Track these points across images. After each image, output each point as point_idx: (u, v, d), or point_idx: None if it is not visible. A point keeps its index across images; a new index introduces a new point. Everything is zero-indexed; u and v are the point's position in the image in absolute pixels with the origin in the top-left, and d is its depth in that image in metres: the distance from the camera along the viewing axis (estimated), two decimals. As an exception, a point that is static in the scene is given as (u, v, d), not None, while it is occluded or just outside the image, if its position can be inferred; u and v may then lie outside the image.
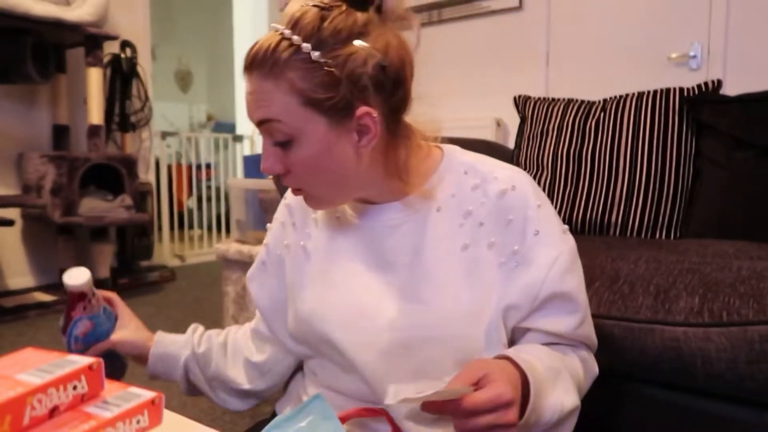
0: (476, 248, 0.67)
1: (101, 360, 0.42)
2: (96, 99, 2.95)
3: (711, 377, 0.84)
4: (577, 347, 0.72)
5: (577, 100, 1.62)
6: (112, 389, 0.42)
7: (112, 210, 2.90)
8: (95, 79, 2.94)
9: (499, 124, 2.87)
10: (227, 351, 0.84)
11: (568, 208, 1.48)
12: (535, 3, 2.81)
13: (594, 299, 0.95)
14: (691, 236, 1.35)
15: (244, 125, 4.71)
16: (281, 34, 0.60)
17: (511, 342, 0.70)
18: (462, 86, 3.06)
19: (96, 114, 2.96)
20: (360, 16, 0.61)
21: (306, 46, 0.59)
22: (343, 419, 0.64)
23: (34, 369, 0.39)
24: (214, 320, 2.47)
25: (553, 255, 0.66)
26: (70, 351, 0.78)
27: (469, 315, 0.65)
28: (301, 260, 0.75)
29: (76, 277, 0.74)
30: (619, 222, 1.41)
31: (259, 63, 0.60)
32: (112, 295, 0.84)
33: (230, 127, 5.25)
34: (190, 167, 4.72)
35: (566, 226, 0.71)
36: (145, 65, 3.47)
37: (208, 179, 4.72)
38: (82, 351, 0.78)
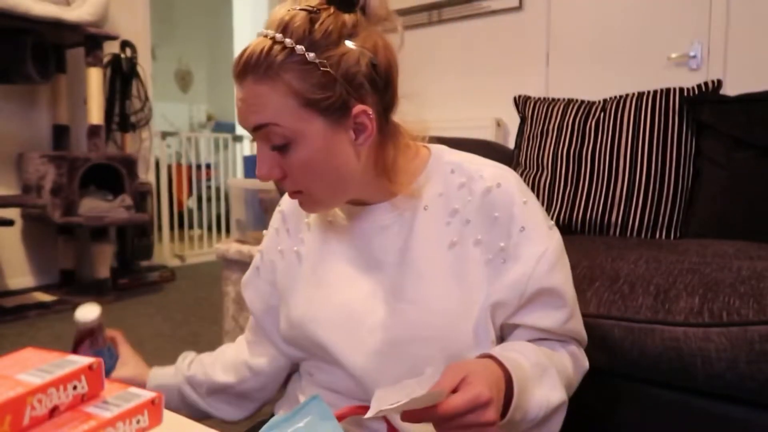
0: (463, 246, 0.67)
1: (101, 360, 0.42)
2: (96, 99, 2.95)
3: (711, 377, 0.84)
4: (566, 342, 0.73)
5: (577, 100, 1.62)
6: (112, 389, 0.42)
7: (112, 210, 2.90)
8: (95, 79, 2.94)
9: (499, 124, 2.87)
10: (216, 361, 0.86)
11: (568, 208, 1.48)
12: (535, 3, 2.81)
13: (594, 299, 0.95)
14: (691, 236, 1.35)
15: (244, 125, 4.69)
16: (272, 38, 0.60)
17: (501, 339, 0.71)
18: (462, 86, 3.06)
19: (96, 114, 2.96)
20: (348, 18, 0.62)
21: (300, 48, 0.59)
22: (339, 418, 0.64)
23: (34, 369, 0.39)
24: (214, 320, 2.47)
25: (539, 251, 0.66)
26: None
27: (457, 312, 0.66)
28: (293, 265, 0.76)
29: (87, 314, 0.78)
30: (619, 222, 1.41)
31: (253, 67, 0.60)
32: (116, 333, 0.86)
33: (230, 127, 5.25)
34: (190, 167, 4.72)
35: (552, 222, 0.72)
36: (145, 65, 3.47)
37: (208, 179, 4.72)
38: None
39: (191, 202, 4.89)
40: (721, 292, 0.87)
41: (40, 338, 2.32)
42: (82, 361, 0.41)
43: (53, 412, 0.38)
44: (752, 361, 0.80)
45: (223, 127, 5.62)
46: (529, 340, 0.70)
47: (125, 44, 3.32)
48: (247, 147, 4.46)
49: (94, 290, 2.96)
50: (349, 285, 0.70)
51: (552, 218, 1.48)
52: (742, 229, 1.27)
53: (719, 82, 1.44)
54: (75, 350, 0.79)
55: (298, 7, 0.62)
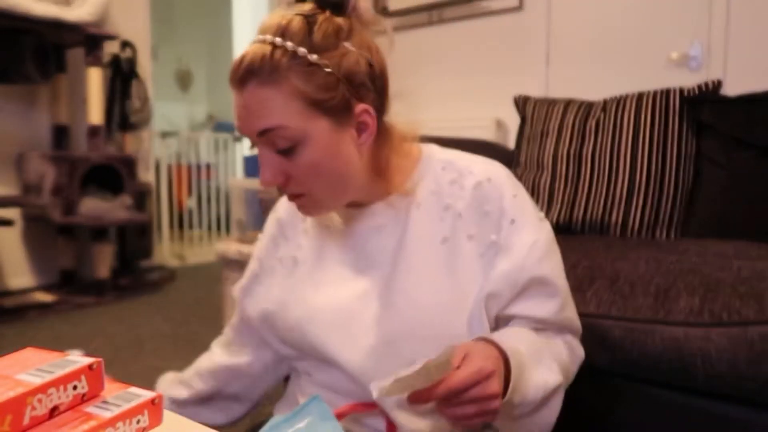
0: (456, 240, 0.69)
1: (101, 360, 0.42)
2: (96, 99, 2.95)
3: (711, 377, 0.84)
4: (561, 332, 0.74)
5: (577, 101, 1.62)
6: (112, 389, 0.42)
7: (112, 210, 2.90)
8: (95, 79, 2.94)
9: (499, 124, 2.87)
10: (194, 375, 0.86)
11: (568, 208, 1.48)
12: (535, 3, 2.81)
13: (594, 299, 0.95)
14: (691, 236, 1.36)
15: (244, 125, 4.69)
16: (271, 43, 0.61)
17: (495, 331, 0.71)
18: (462, 86, 3.06)
19: (96, 114, 2.96)
20: (342, 21, 0.63)
21: (303, 50, 0.60)
22: (339, 416, 0.64)
23: (34, 369, 0.39)
24: (214, 320, 2.47)
25: (530, 241, 0.68)
26: None
27: (451, 306, 0.67)
28: (292, 270, 0.77)
29: None
30: (619, 222, 1.41)
31: (257, 72, 0.60)
32: None
33: (230, 127, 5.25)
34: (190, 167, 4.71)
35: (542, 214, 0.73)
36: (145, 65, 3.47)
37: (208, 179, 4.72)
38: None
39: (191, 202, 4.89)
40: (721, 292, 0.87)
41: (40, 338, 2.32)
42: (82, 361, 0.41)
43: (53, 412, 0.38)
44: (752, 361, 0.80)
45: (223, 127, 5.61)
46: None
47: (125, 44, 3.32)
48: (247, 147, 4.45)
49: (94, 290, 2.96)
50: (345, 286, 0.71)
51: (552, 218, 1.48)
52: (742, 229, 1.27)
53: (719, 82, 1.44)
54: None
55: (293, 13, 0.63)
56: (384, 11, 3.25)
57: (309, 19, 0.62)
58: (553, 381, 0.65)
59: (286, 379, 0.86)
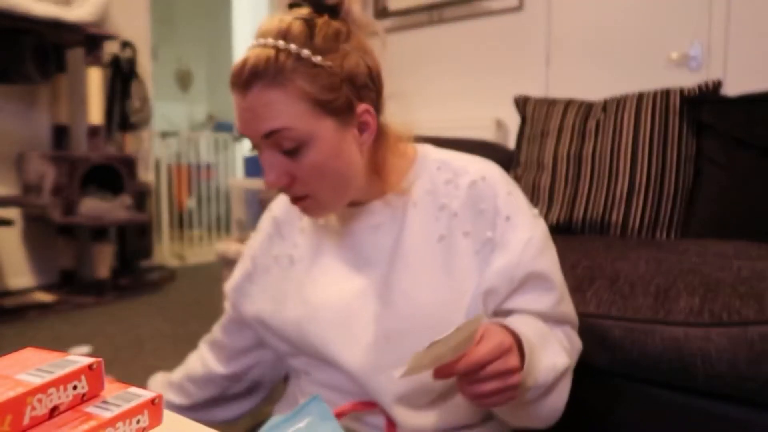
0: (452, 238, 0.70)
1: (101, 360, 0.42)
2: (96, 99, 2.95)
3: (711, 377, 0.84)
4: (560, 324, 0.75)
5: (577, 101, 1.62)
6: (112, 389, 0.42)
7: (112, 210, 2.90)
8: (95, 79, 2.94)
9: (499, 124, 2.87)
10: (188, 381, 0.86)
11: (568, 208, 1.48)
12: (535, 3, 2.81)
13: (594, 299, 0.95)
14: (691, 236, 1.35)
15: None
16: (273, 46, 0.61)
17: None
18: (462, 86, 3.06)
19: (96, 114, 2.96)
20: (339, 24, 0.65)
21: (306, 52, 0.61)
22: (339, 415, 0.64)
23: (34, 369, 0.39)
24: (214, 320, 2.46)
25: (525, 238, 0.69)
26: None
27: (449, 303, 0.67)
28: (288, 269, 0.77)
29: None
30: (619, 222, 1.41)
31: (262, 74, 0.61)
32: None
33: (230, 127, 5.25)
34: (190, 167, 4.72)
35: (537, 211, 0.74)
36: (145, 65, 3.47)
37: (208, 179, 4.72)
38: None
39: (191, 202, 4.89)
40: (721, 292, 0.87)
41: (40, 338, 2.32)
42: (82, 361, 0.41)
43: (53, 412, 0.38)
44: (752, 361, 0.80)
45: (223, 127, 5.61)
46: None
47: (125, 44, 3.32)
48: (247, 147, 4.46)
49: (94, 290, 2.96)
50: (343, 284, 0.71)
51: (552, 218, 1.48)
52: (742, 229, 1.27)
53: (719, 82, 1.44)
54: None
55: (292, 17, 0.63)
56: (384, 11, 3.25)
57: (309, 23, 0.63)
58: (561, 363, 0.66)
59: (286, 379, 0.86)
